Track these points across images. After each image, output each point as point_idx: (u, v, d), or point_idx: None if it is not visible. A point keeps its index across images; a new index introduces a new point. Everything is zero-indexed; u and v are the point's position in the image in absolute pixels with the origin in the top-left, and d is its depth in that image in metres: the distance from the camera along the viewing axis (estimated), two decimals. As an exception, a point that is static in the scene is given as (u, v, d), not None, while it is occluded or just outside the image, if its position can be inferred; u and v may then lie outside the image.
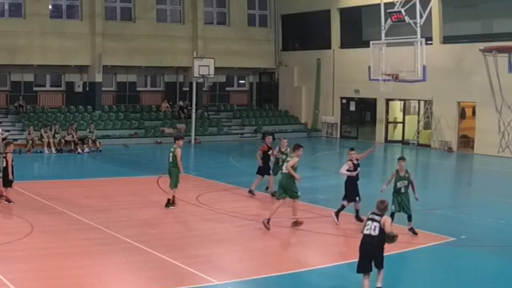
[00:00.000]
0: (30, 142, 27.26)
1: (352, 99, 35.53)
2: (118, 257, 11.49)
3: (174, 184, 16.04)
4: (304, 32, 38.41)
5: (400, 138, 33.20)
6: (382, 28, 27.87)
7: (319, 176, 20.80)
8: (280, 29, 39.18)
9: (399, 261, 12.01)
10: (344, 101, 36.11)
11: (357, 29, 35.34)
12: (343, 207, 14.67)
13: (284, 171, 14.27)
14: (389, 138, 33.52)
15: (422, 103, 31.93)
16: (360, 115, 35.44)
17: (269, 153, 17.83)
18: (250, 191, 17.94)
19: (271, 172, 17.79)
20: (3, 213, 14.82)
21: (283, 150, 17.48)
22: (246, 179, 20.73)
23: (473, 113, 30.40)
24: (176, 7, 36.19)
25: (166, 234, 13.56)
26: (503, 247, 13.12)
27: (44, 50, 31.50)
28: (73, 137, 28.02)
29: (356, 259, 9.96)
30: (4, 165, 15.89)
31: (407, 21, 26.65)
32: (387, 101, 33.29)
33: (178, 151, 16.05)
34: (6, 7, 31.14)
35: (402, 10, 26.64)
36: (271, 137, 18.53)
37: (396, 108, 33.96)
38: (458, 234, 13.67)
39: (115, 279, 10.44)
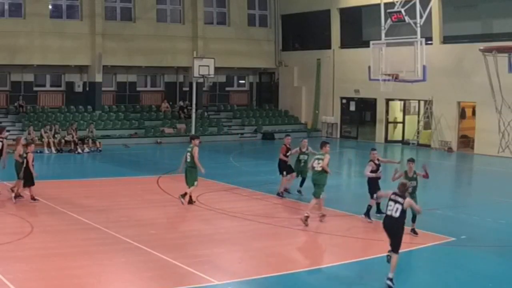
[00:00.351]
0: (30, 142, 27.24)
1: (352, 99, 35.53)
2: (118, 257, 11.49)
3: (191, 183, 16.26)
4: (304, 32, 38.42)
5: (400, 138, 33.20)
6: (382, 28, 27.86)
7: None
8: (280, 29, 39.19)
9: (399, 261, 11.99)
10: (344, 101, 36.12)
11: (357, 29, 35.35)
12: (371, 206, 15.04)
13: (317, 169, 14.87)
14: (389, 138, 33.52)
15: (422, 103, 31.94)
16: (360, 115, 35.45)
17: (288, 154, 17.83)
18: (284, 191, 17.81)
19: (284, 173, 17.79)
20: (3, 213, 14.82)
21: (304, 150, 17.69)
22: (246, 179, 20.79)
23: (473, 113, 30.41)
24: (176, 7, 36.19)
25: (166, 234, 13.57)
26: (503, 247, 13.12)
27: (44, 50, 31.50)
28: (73, 137, 28.02)
29: (356, 259, 10.10)
30: (25, 165, 16.30)
31: (407, 21, 26.64)
32: (387, 101, 33.29)
33: (195, 150, 16.24)
34: (6, 7, 31.12)
35: (402, 10, 26.63)
36: (290, 137, 18.74)
37: (396, 108, 33.96)
38: (458, 234, 13.67)
39: (115, 279, 10.44)
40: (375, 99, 33.47)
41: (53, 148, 27.43)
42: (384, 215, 10.57)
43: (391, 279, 9.99)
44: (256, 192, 18.48)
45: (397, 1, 27.05)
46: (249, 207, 16.46)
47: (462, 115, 30.85)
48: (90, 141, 28.34)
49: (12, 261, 10.93)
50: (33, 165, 16.41)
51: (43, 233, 13.08)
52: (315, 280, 10.74)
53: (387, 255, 10.32)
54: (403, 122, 33.44)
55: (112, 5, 34.25)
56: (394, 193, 10.36)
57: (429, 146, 30.92)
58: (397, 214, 10.08)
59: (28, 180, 16.37)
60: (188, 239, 13.14)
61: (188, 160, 16.31)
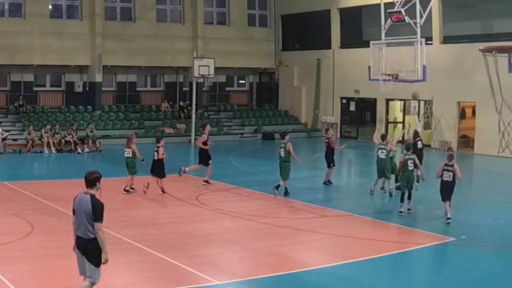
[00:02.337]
0: (30, 142, 27.26)
1: (352, 99, 35.54)
2: (118, 257, 11.46)
3: (286, 176, 17.65)
4: (304, 32, 38.42)
5: (400, 138, 33.09)
6: (382, 28, 27.86)
7: (319, 176, 20.79)
8: (280, 29, 39.20)
9: (399, 261, 12.02)
10: (344, 101, 36.13)
11: (357, 29, 35.36)
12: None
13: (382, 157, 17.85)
14: (389, 138, 33.44)
15: (422, 103, 31.94)
16: (360, 115, 35.45)
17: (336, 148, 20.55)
18: (328, 182, 19.82)
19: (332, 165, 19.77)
20: (3, 213, 14.81)
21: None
22: (246, 179, 20.80)
23: (473, 113, 30.40)
24: (176, 7, 36.20)
25: (166, 234, 13.55)
26: (503, 247, 13.11)
27: (44, 50, 31.52)
28: (73, 137, 28.01)
29: (356, 260, 10.67)
30: (156, 158, 17.64)
31: (407, 21, 26.64)
32: (387, 101, 33.29)
33: (289, 145, 17.57)
34: (6, 7, 31.15)
35: (402, 10, 26.63)
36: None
37: (396, 108, 33.96)
38: (458, 234, 13.66)
39: (115, 279, 10.43)
40: (375, 99, 33.47)
41: (53, 148, 27.43)
42: None
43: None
44: (256, 192, 18.48)
45: (397, 1, 27.04)
46: (249, 207, 16.46)
47: (462, 115, 30.84)
48: (90, 141, 28.33)
49: (12, 261, 10.93)
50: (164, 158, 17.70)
51: (43, 233, 13.08)
52: (315, 280, 10.73)
53: None
54: (403, 122, 33.42)
55: (112, 5, 34.27)
56: (446, 164, 14.58)
57: (429, 146, 30.88)
58: (451, 179, 14.50)
59: (160, 173, 17.64)
60: (188, 239, 13.13)
61: (282, 155, 17.64)
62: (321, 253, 12.57)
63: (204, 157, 19.58)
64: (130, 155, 17.88)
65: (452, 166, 14.55)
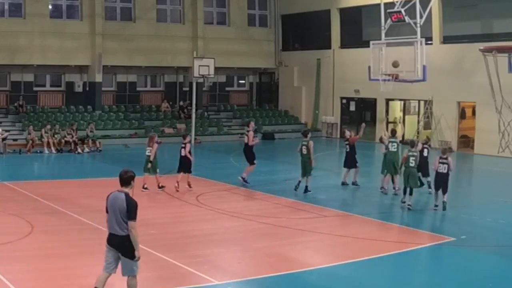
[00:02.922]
0: (30, 142, 27.25)
1: (352, 99, 35.54)
2: (118, 257, 11.47)
3: (309, 173, 18.04)
4: (304, 32, 38.41)
5: (400, 138, 33.12)
6: (382, 28, 27.85)
7: (319, 176, 20.76)
8: (280, 29, 39.19)
9: (399, 261, 12.02)
10: (344, 101, 36.12)
11: (357, 29, 35.34)
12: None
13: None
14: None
15: (422, 103, 31.93)
16: (360, 115, 35.43)
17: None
18: (354, 183, 19.42)
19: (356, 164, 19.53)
20: (3, 213, 14.81)
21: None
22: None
23: (473, 113, 30.39)
24: (176, 7, 36.20)
25: (166, 234, 13.54)
26: (503, 247, 13.12)
27: (44, 50, 31.51)
28: (73, 137, 28.01)
29: (356, 260, 10.80)
30: (183, 154, 18.26)
31: (407, 21, 26.63)
32: (387, 101, 33.28)
33: (311, 144, 18.08)
34: (6, 7, 31.14)
35: (402, 10, 26.62)
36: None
37: (396, 108, 33.94)
38: (458, 234, 13.65)
39: (115, 279, 10.42)
40: (375, 99, 33.47)
41: (53, 148, 27.42)
42: None
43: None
44: (256, 192, 18.48)
45: (397, 1, 27.04)
46: (249, 207, 16.46)
47: (462, 115, 30.83)
48: (90, 141, 28.33)
49: (12, 261, 10.92)
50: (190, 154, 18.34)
51: (43, 233, 13.07)
52: (315, 280, 10.73)
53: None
54: (403, 122, 33.42)
55: (112, 5, 34.26)
56: (440, 157, 15.72)
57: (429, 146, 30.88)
58: (445, 171, 15.63)
59: (187, 168, 18.30)
60: (188, 239, 13.13)
61: (304, 152, 18.02)
62: (321, 253, 12.57)
63: (250, 155, 19.55)
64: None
65: (446, 158, 15.69)
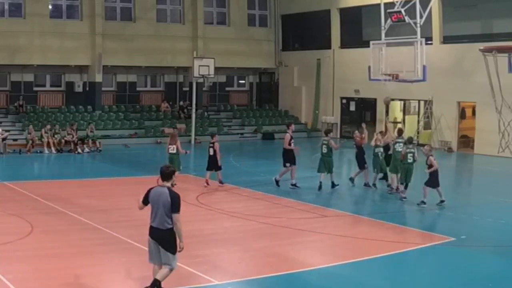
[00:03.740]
0: (30, 142, 27.25)
1: (352, 99, 35.53)
2: (118, 257, 11.49)
3: (330, 170, 18.63)
4: (304, 32, 38.41)
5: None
6: (382, 28, 27.85)
7: (319, 176, 20.80)
8: (280, 29, 39.18)
9: (399, 261, 12.02)
10: (344, 101, 36.11)
11: (357, 29, 35.34)
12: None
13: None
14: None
15: (422, 103, 31.93)
16: (360, 115, 35.41)
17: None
18: (367, 184, 19.43)
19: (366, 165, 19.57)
20: (3, 213, 14.82)
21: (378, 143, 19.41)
22: (246, 179, 20.78)
23: (473, 113, 30.39)
24: (176, 7, 36.20)
25: (166, 234, 13.53)
26: (503, 247, 13.12)
27: (44, 50, 31.51)
28: (73, 137, 28.01)
29: (356, 260, 10.89)
30: (212, 153, 18.74)
31: (407, 21, 26.63)
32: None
33: (332, 142, 18.67)
34: (6, 7, 31.14)
35: (402, 10, 26.62)
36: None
37: (396, 108, 33.94)
38: (458, 234, 13.65)
39: (116, 279, 10.44)
40: (375, 99, 33.47)
41: (53, 148, 27.42)
42: None
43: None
44: (256, 192, 18.48)
45: (397, 1, 27.04)
46: (249, 207, 16.46)
47: (462, 115, 30.83)
48: (90, 141, 28.33)
49: (12, 261, 10.92)
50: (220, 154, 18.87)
51: (43, 233, 13.07)
52: (315, 280, 10.73)
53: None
54: (403, 122, 33.41)
55: (112, 5, 34.26)
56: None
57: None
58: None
59: (216, 166, 18.78)
60: (188, 239, 13.00)
61: (325, 151, 18.55)
62: (321, 253, 12.57)
63: (288, 157, 19.23)
64: (175, 151, 18.62)
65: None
